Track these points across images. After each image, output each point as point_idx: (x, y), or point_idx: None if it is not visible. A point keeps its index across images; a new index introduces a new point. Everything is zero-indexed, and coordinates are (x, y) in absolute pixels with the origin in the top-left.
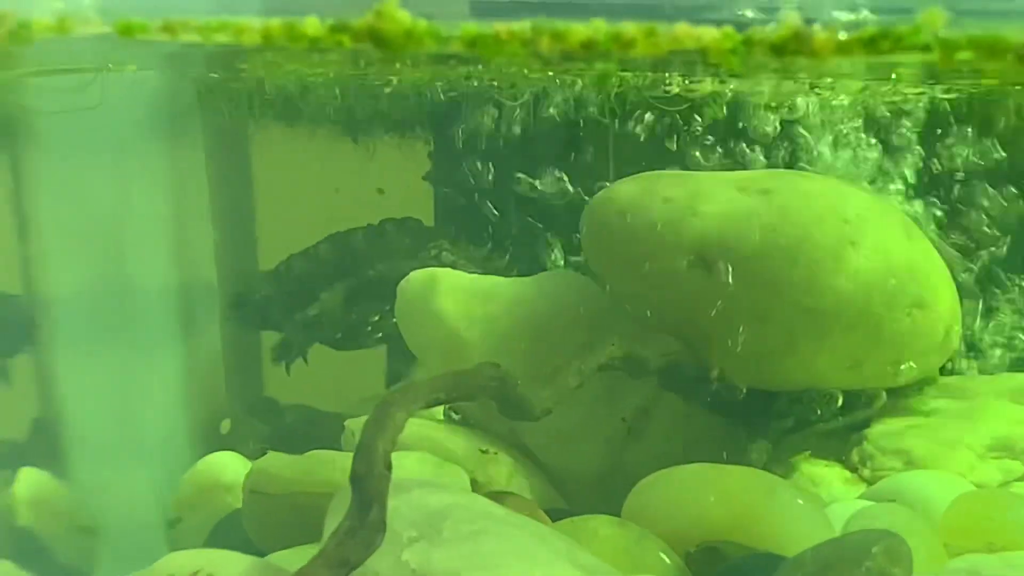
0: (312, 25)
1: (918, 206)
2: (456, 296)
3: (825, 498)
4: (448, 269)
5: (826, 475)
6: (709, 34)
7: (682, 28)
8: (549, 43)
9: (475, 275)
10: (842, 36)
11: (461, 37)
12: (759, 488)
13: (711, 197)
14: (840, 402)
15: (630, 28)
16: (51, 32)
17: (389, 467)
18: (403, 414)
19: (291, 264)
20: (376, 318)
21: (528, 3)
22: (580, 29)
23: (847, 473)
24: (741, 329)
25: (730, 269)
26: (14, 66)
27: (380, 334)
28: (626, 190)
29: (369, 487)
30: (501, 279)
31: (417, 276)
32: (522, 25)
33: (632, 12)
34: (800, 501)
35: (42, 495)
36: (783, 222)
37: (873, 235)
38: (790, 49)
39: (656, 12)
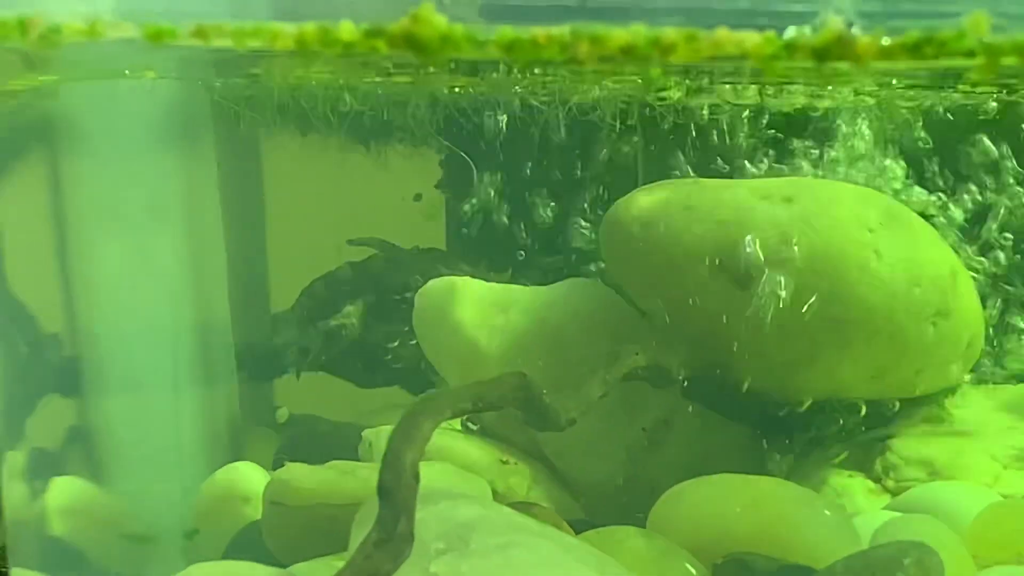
0: (347, 30)
1: (942, 212)
2: (475, 305)
3: (849, 509)
4: (466, 278)
5: (850, 485)
6: (751, 39)
7: (723, 33)
8: (588, 48)
9: (494, 284)
10: (885, 41)
11: (497, 41)
12: (786, 499)
13: (733, 205)
14: (863, 412)
15: (670, 33)
16: (81, 36)
17: (417, 478)
18: (430, 424)
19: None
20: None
21: (538, 8)
22: (620, 34)
23: (871, 483)
24: (763, 339)
25: (765, 279)
26: (43, 71)
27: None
28: (646, 198)
29: (397, 498)
30: (520, 287)
31: (435, 285)
32: (560, 29)
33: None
34: (828, 512)
35: (75, 504)
36: (806, 231)
37: (897, 243)
38: (833, 54)
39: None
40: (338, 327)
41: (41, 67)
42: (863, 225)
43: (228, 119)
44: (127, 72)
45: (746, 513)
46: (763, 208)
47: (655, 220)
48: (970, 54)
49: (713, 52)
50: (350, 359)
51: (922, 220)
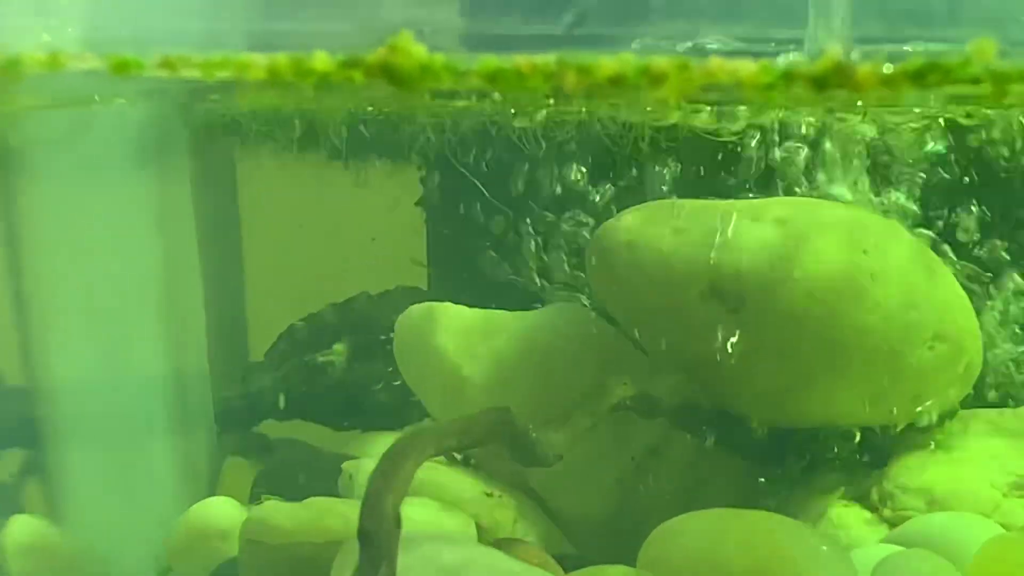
0: (321, 60)
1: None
2: (456, 331)
3: (845, 540)
4: (447, 303)
5: (845, 516)
6: (746, 68)
7: (716, 62)
8: (574, 78)
9: (476, 309)
10: (887, 69)
11: (479, 71)
12: (782, 534)
13: (723, 227)
14: (858, 439)
15: (661, 62)
16: (42, 67)
17: (399, 522)
18: (412, 464)
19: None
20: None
21: (519, 37)
22: (608, 63)
23: (867, 513)
24: (755, 364)
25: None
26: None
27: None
28: (633, 220)
29: (378, 544)
30: (503, 313)
31: (415, 311)
32: (545, 59)
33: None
34: (825, 548)
35: (35, 543)
36: (799, 253)
37: (893, 266)
38: (832, 83)
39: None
40: (318, 368)
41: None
42: (857, 246)
43: (201, 143)
44: (96, 99)
45: (741, 550)
46: (754, 230)
47: (642, 243)
48: (976, 81)
49: (706, 81)
50: (330, 402)
51: (917, 240)
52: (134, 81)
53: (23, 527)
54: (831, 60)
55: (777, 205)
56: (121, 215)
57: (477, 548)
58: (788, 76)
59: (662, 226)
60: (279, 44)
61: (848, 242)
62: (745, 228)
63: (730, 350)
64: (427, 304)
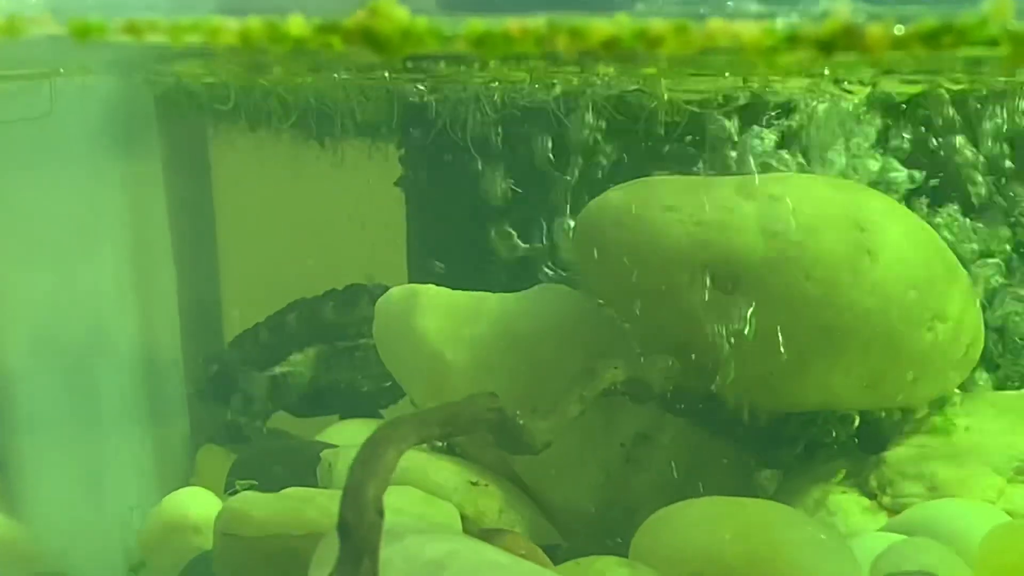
0: (297, 25)
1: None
2: (439, 314)
3: (844, 528)
4: (430, 285)
5: (843, 503)
6: (747, 31)
7: (716, 24)
8: (567, 42)
9: (459, 291)
10: (898, 30)
11: (466, 36)
12: (779, 523)
13: (715, 204)
14: (856, 423)
15: (658, 25)
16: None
17: (381, 513)
18: (394, 453)
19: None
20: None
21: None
22: (602, 26)
23: (866, 500)
24: (749, 347)
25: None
26: None
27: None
28: (621, 197)
29: (359, 537)
30: (488, 295)
31: (396, 293)
32: (536, 22)
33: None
34: (823, 536)
35: None
36: (793, 230)
37: (891, 244)
38: (840, 46)
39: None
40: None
41: None
42: (855, 224)
43: (171, 116)
44: (60, 71)
45: (736, 540)
46: (747, 207)
47: (631, 221)
48: (993, 43)
49: (705, 44)
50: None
51: (917, 217)
52: (100, 50)
53: None
54: (838, 21)
55: (771, 182)
56: (87, 197)
57: (462, 540)
58: (792, 39)
59: (652, 204)
60: (251, 9)
61: (845, 220)
62: (738, 206)
63: (723, 333)
64: (408, 286)
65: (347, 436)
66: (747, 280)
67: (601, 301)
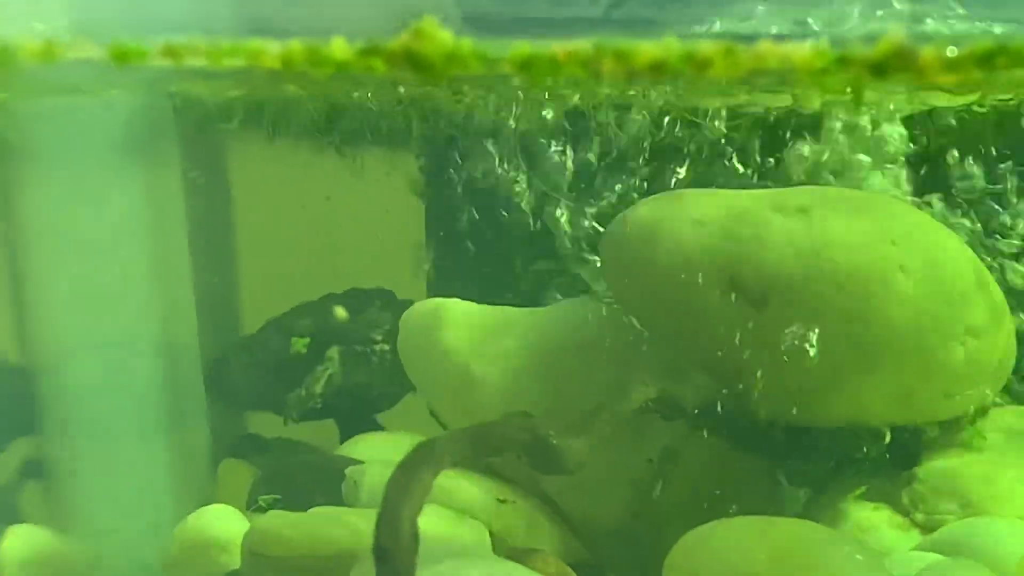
0: (340, 48)
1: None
2: (465, 329)
3: (876, 546)
4: (454, 299)
5: (874, 520)
6: (798, 53)
7: (766, 46)
8: (613, 64)
9: (485, 306)
10: (951, 52)
11: (511, 59)
12: (814, 542)
13: (745, 218)
14: (888, 439)
15: (706, 47)
16: (37, 58)
17: (417, 537)
18: (429, 475)
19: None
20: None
21: (522, 19)
22: (649, 48)
23: (898, 517)
24: (780, 362)
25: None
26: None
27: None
28: (650, 211)
29: (396, 561)
30: (514, 309)
31: (421, 307)
32: (582, 44)
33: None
34: (859, 556)
35: (35, 555)
36: (825, 245)
37: (923, 258)
38: (892, 67)
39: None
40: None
41: None
42: (886, 237)
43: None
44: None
45: (772, 561)
46: (777, 221)
47: (660, 235)
48: None
49: (754, 66)
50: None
51: (948, 230)
52: (128, 70)
53: (22, 538)
54: (891, 43)
55: (801, 194)
56: (113, 206)
57: (497, 564)
58: (844, 61)
59: (681, 217)
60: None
61: (876, 233)
62: (768, 219)
63: (753, 348)
64: (433, 300)
65: (369, 450)
66: (778, 294)
67: (629, 316)
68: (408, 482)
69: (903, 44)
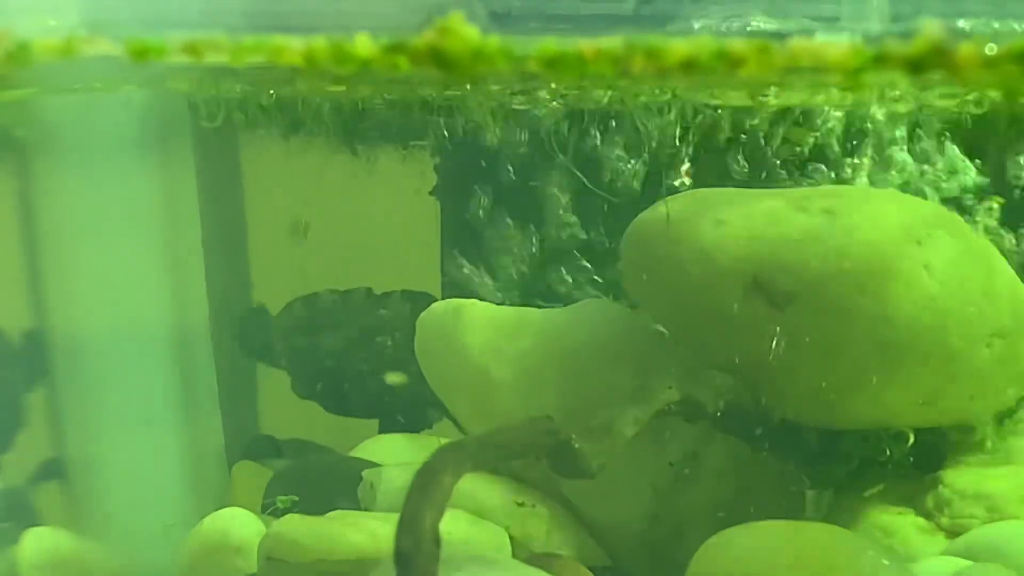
0: (363, 45)
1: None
2: (483, 329)
3: (900, 550)
4: (473, 300)
5: (898, 524)
6: (833, 50)
7: (799, 44)
8: (643, 62)
9: (503, 306)
10: (990, 50)
11: (538, 56)
12: (838, 547)
13: (768, 218)
14: (911, 441)
15: (739, 44)
16: (55, 54)
17: (438, 543)
18: (450, 479)
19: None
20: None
21: (545, 15)
22: (680, 46)
23: (922, 521)
24: (802, 363)
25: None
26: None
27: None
28: (672, 210)
29: (417, 567)
30: (533, 310)
31: (439, 308)
32: (611, 42)
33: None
34: (885, 561)
35: (55, 559)
36: (849, 245)
37: (948, 258)
38: (929, 65)
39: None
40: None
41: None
42: (911, 237)
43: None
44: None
45: (796, 566)
46: (800, 220)
47: (681, 235)
48: None
49: (788, 64)
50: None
51: (975, 231)
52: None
53: (40, 541)
54: (928, 40)
55: (825, 195)
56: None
57: (520, 569)
58: (880, 58)
59: (703, 217)
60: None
61: (901, 233)
62: (791, 219)
63: (776, 348)
64: (451, 300)
65: (382, 452)
66: (801, 295)
67: (649, 316)
68: (430, 486)
69: (941, 40)
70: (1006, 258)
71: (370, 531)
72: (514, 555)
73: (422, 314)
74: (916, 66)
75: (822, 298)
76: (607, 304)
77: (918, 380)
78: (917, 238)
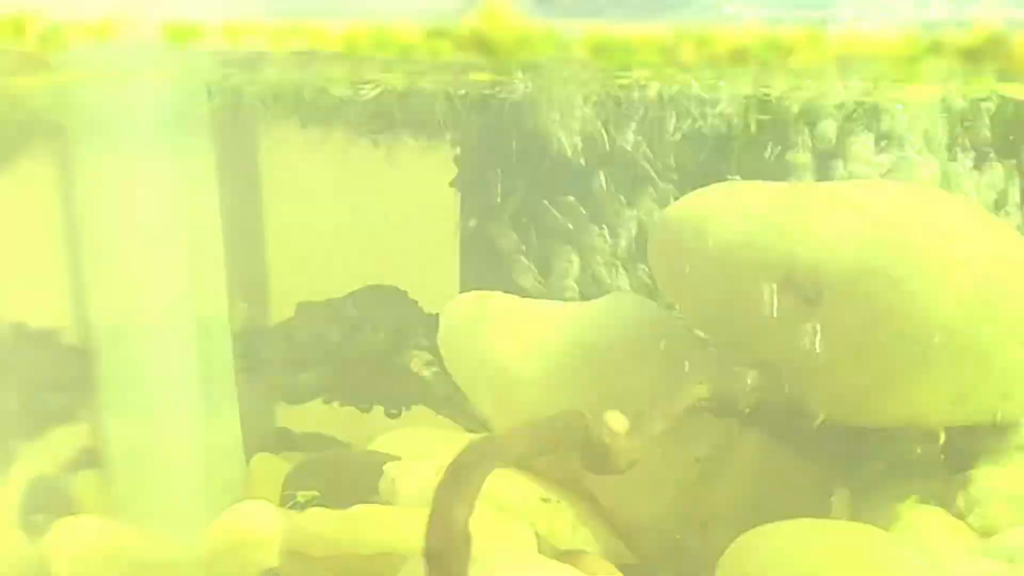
0: (405, 30)
1: None
2: (508, 323)
3: (929, 550)
4: (497, 292)
5: (928, 523)
6: (887, 39)
7: (852, 32)
8: (692, 51)
9: (529, 300)
10: None
11: (584, 43)
12: (869, 547)
13: (799, 211)
14: (942, 440)
15: (790, 33)
16: (90, 36)
17: (468, 539)
18: (480, 475)
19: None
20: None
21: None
22: (730, 34)
23: (952, 520)
24: (833, 360)
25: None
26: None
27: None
28: (702, 203)
29: (448, 564)
30: (559, 304)
31: (463, 300)
32: (659, 29)
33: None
34: (917, 561)
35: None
36: (880, 241)
37: (982, 255)
38: (986, 54)
39: None
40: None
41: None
42: (942, 233)
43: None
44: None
45: (827, 566)
46: (832, 215)
47: (709, 228)
48: None
49: (840, 53)
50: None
51: (1009, 227)
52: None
53: (72, 531)
54: (984, 30)
55: (856, 189)
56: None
57: (550, 567)
58: (936, 48)
59: (733, 210)
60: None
61: (932, 228)
62: (822, 213)
63: (806, 344)
64: (477, 293)
65: (399, 445)
66: (831, 291)
67: (678, 311)
68: (459, 483)
69: (996, 30)
70: None
71: (393, 526)
72: (539, 551)
73: (447, 306)
74: (972, 56)
75: (854, 295)
76: (635, 298)
77: (950, 378)
78: (950, 234)
